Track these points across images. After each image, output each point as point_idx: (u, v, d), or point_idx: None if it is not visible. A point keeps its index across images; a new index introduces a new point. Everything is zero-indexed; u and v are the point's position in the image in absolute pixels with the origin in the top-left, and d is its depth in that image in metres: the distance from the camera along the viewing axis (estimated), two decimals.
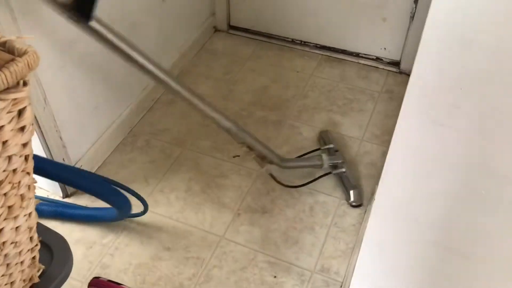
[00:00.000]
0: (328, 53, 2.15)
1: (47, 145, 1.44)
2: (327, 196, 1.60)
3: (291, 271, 1.42)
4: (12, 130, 0.48)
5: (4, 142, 0.48)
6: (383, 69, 2.08)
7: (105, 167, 1.69)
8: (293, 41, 2.19)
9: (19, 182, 0.51)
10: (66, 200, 1.59)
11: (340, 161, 1.64)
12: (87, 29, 1.08)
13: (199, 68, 2.10)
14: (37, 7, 1.26)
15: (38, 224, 0.64)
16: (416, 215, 0.95)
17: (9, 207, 0.51)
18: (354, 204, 1.58)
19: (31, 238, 0.57)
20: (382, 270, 1.09)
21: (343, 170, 1.62)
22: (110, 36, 1.12)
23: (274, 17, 2.15)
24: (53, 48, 1.36)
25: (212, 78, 2.05)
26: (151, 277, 1.40)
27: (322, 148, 1.71)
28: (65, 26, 1.36)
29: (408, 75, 2.02)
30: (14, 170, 0.50)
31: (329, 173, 1.64)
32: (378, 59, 2.08)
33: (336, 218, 1.55)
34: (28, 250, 0.57)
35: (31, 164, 0.52)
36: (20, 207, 0.51)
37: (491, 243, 0.88)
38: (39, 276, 0.63)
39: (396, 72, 2.07)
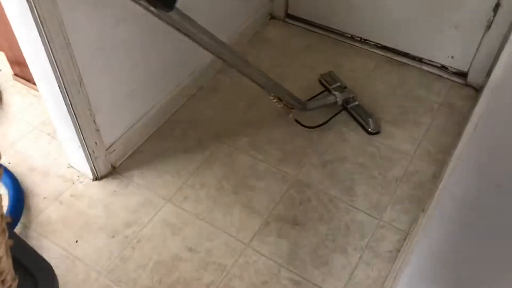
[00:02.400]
0: (388, 55, 1.99)
1: (80, 129, 1.40)
2: (366, 216, 1.48)
3: None
4: None
5: None
6: (447, 79, 1.90)
7: (138, 154, 1.64)
8: (352, 37, 2.03)
9: None
10: (96, 182, 1.56)
11: (351, 96, 1.75)
12: (168, 18, 1.11)
13: (248, 57, 1.99)
14: None
15: (25, 249, 0.57)
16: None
17: None
18: (372, 131, 1.67)
19: (2, 282, 0.51)
20: None
21: (356, 103, 1.73)
22: (188, 26, 1.17)
23: (335, 10, 2.00)
24: (92, 29, 1.29)
25: (261, 69, 1.93)
26: (169, 278, 1.34)
27: (331, 87, 1.79)
28: (106, 7, 1.30)
29: (475, 88, 1.85)
30: None
31: (344, 108, 1.74)
32: (443, 67, 1.89)
33: (373, 242, 1.43)
34: None
35: None
36: None
37: None
38: None
39: (461, 84, 1.88)
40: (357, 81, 1.89)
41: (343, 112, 1.77)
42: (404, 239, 1.43)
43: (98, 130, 1.46)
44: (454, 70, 1.88)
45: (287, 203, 1.51)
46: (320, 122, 1.72)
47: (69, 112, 1.35)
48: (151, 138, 1.69)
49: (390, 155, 1.65)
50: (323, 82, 1.86)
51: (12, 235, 0.55)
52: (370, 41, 2.00)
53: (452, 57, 1.85)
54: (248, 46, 2.04)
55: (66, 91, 1.29)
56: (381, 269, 1.37)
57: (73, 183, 1.56)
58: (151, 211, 1.49)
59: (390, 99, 1.83)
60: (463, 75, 1.87)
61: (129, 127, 1.59)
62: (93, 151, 1.48)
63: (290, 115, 1.65)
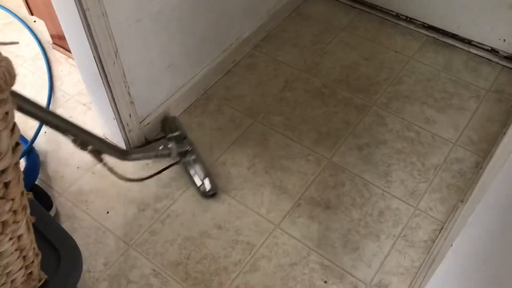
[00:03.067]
0: (435, 35, 1.89)
1: (114, 101, 1.39)
2: (401, 203, 1.43)
3: (344, 280, 1.29)
4: None
5: None
6: (497, 63, 1.79)
7: None
8: (397, 16, 1.94)
9: None
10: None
11: (189, 148, 1.48)
12: None
13: (287, 33, 1.94)
14: None
15: (51, 225, 0.56)
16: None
17: None
18: (210, 193, 1.43)
19: (24, 257, 0.50)
20: None
21: (194, 157, 1.47)
22: None
23: None
24: (129, 0, 1.27)
25: (299, 46, 1.89)
26: (197, 254, 1.34)
27: (168, 136, 1.49)
28: None
29: None
30: None
31: (178, 162, 1.49)
32: (493, 50, 1.79)
33: (407, 230, 1.38)
34: (21, 268, 0.50)
35: (14, 190, 0.43)
36: (1, 233, 0.43)
37: None
38: (42, 287, 0.56)
39: None
40: (400, 63, 1.81)
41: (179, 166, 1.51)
42: (441, 230, 1.37)
43: (132, 103, 1.45)
44: (505, 54, 1.77)
45: (320, 186, 1.47)
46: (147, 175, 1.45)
47: (103, 83, 1.34)
48: (185, 112, 1.67)
49: (430, 141, 1.58)
50: (165, 127, 1.57)
51: (39, 211, 0.54)
52: (416, 20, 1.90)
53: (504, 40, 1.74)
54: (287, 21, 1.98)
55: (101, 62, 1.28)
56: (414, 259, 1.32)
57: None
58: (182, 186, 1.48)
59: (434, 83, 1.74)
60: None
61: (163, 101, 1.58)
62: (127, 124, 1.48)
63: (102, 163, 1.19)
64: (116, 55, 1.30)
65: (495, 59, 1.79)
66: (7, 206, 0.43)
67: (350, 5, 2.03)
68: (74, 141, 1.03)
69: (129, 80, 1.39)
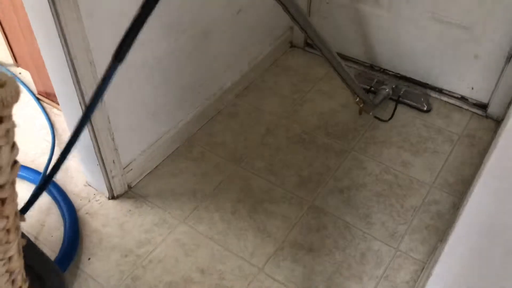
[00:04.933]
0: (408, 84, 1.98)
1: (99, 147, 1.41)
2: (383, 245, 1.45)
3: None
4: None
5: None
6: (467, 110, 1.88)
7: (155, 173, 1.65)
8: (371, 67, 2.04)
9: None
10: (111, 201, 1.56)
11: (394, 85, 1.90)
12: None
13: (267, 83, 2.01)
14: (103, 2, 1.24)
15: (34, 251, 0.57)
16: None
17: None
18: (427, 109, 1.86)
19: (13, 282, 0.51)
20: None
21: (406, 87, 1.90)
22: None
23: (354, 39, 2.02)
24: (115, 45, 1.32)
25: (279, 95, 1.96)
26: None
27: (373, 84, 1.93)
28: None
29: (496, 120, 1.82)
30: None
31: (398, 97, 1.90)
32: (463, 98, 1.88)
33: (389, 271, 1.39)
34: None
35: (10, 207, 0.45)
36: None
37: None
38: None
39: (481, 115, 1.86)
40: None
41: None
42: (422, 270, 1.39)
43: (116, 149, 1.47)
44: (474, 102, 1.87)
45: (303, 229, 1.49)
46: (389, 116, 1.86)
47: (89, 131, 1.37)
48: (168, 158, 1.69)
49: (408, 184, 1.62)
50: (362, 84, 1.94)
51: (23, 235, 0.55)
52: (390, 71, 2.00)
53: (473, 88, 1.84)
54: (268, 72, 2.06)
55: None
56: None
57: (89, 201, 1.57)
58: (164, 231, 1.48)
59: (409, 128, 1.82)
60: (483, 106, 1.85)
61: (147, 147, 1.61)
62: (110, 170, 1.49)
63: (371, 113, 1.83)
64: (102, 103, 1.34)
65: (466, 106, 1.88)
66: (2, 224, 0.44)
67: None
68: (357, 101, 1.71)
69: (113, 127, 1.42)
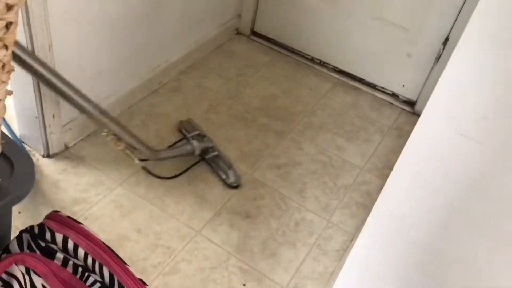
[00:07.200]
0: (344, 79, 2.10)
1: (41, 98, 1.37)
2: (316, 216, 1.52)
3: (262, 283, 1.32)
4: None
5: None
6: (397, 106, 2.03)
7: (93, 137, 1.61)
8: (312, 59, 2.14)
9: None
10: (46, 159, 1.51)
11: (211, 145, 1.62)
12: None
13: (212, 64, 2.05)
14: None
15: (5, 139, 0.56)
16: (409, 235, 0.88)
17: None
18: (234, 184, 1.55)
19: None
20: None
21: (215, 153, 1.60)
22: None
23: (298, 32, 2.11)
24: (71, 1, 1.30)
25: (223, 77, 2.00)
26: None
27: (189, 135, 1.64)
28: None
29: None
30: None
31: (202, 159, 1.60)
32: (394, 95, 2.03)
33: (321, 240, 1.46)
34: None
35: (11, 37, 0.44)
36: None
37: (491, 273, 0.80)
38: None
39: (409, 112, 2.01)
40: (314, 98, 1.98)
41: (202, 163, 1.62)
42: (351, 240, 1.47)
43: (58, 103, 1.43)
44: (404, 99, 2.02)
45: (241, 198, 1.53)
46: (177, 173, 1.56)
47: (32, 79, 1.33)
48: None
49: (341, 165, 1.72)
50: (182, 130, 1.68)
51: None
52: (329, 64, 2.12)
53: (403, 85, 1.99)
54: (213, 54, 2.10)
55: (34, 53, 1.28)
56: (327, 265, 1.40)
57: None
58: (101, 192, 1.46)
59: (344, 117, 1.92)
60: (411, 103, 2.01)
61: None
62: (49, 125, 1.45)
63: (137, 162, 1.43)
64: (49, 49, 1.30)
65: (396, 103, 2.03)
66: (1, 53, 0.43)
67: (270, 47, 2.20)
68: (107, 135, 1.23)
69: None
